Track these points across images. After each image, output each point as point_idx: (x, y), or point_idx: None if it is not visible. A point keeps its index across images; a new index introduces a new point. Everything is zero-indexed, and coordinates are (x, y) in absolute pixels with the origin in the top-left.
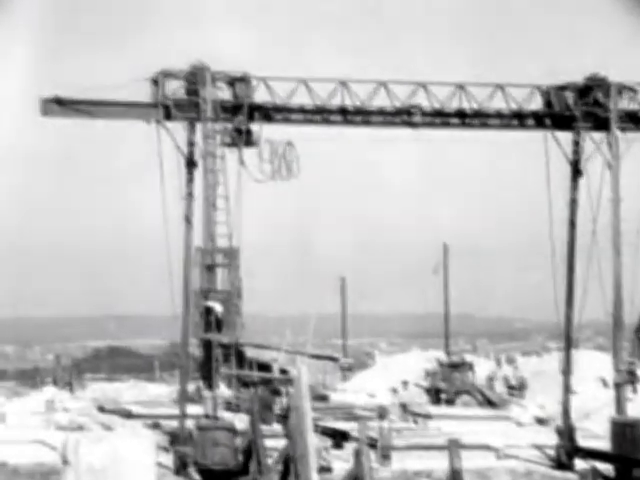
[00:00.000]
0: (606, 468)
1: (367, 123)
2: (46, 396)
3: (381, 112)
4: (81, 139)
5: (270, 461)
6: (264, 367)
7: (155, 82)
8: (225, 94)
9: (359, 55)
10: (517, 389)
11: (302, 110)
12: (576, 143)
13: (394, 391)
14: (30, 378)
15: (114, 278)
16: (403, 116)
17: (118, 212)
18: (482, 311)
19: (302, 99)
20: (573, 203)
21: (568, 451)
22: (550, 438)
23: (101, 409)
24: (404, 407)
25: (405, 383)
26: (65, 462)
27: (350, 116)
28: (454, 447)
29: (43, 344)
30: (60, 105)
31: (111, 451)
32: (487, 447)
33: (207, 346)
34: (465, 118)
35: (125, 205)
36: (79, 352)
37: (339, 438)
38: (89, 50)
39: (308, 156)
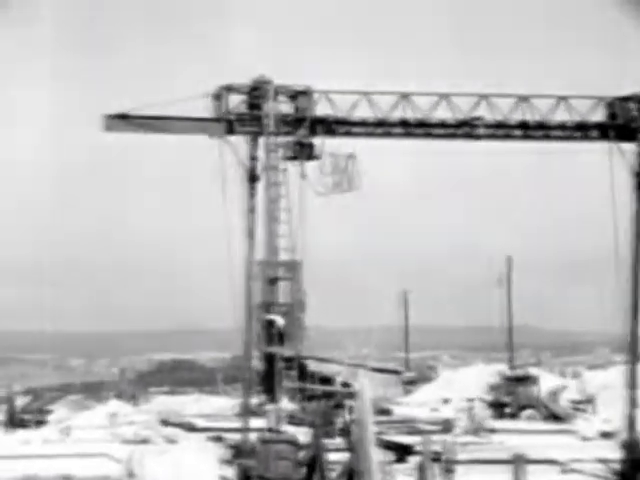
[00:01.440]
0: None
1: (428, 135)
2: (111, 409)
3: (443, 124)
4: (142, 154)
5: (333, 475)
6: (326, 380)
7: (218, 97)
8: (287, 108)
9: (420, 68)
10: (583, 403)
11: (364, 123)
12: None
13: (457, 405)
14: (95, 391)
15: (177, 293)
16: (465, 128)
17: (180, 227)
18: (546, 324)
19: (363, 112)
20: (638, 215)
21: (633, 465)
22: (615, 452)
23: (165, 422)
24: (468, 421)
25: (471, 400)
26: (130, 475)
27: (411, 128)
28: (519, 461)
29: (108, 358)
30: (123, 120)
31: (175, 464)
32: (552, 461)
33: (269, 359)
34: (527, 130)
35: (188, 220)
36: (144, 365)
37: (402, 452)
38: (150, 66)
39: (369, 168)
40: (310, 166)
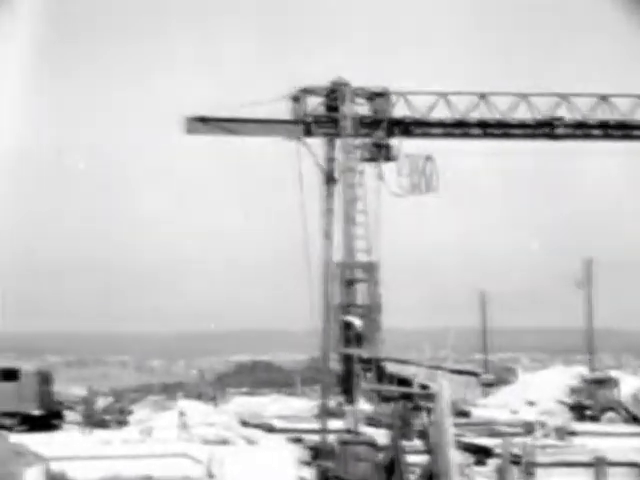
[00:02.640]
0: None
1: (507, 136)
2: (190, 410)
3: (522, 125)
4: (218, 157)
5: (412, 477)
6: (404, 382)
7: (296, 99)
8: (364, 109)
9: (498, 68)
10: None
11: (441, 124)
12: None
13: (539, 407)
14: (175, 392)
15: (255, 293)
16: (545, 128)
17: (257, 228)
18: (627, 325)
19: (441, 113)
20: None
21: None
22: None
23: (244, 423)
24: (548, 424)
25: (561, 402)
26: (210, 475)
27: (490, 129)
28: (600, 464)
29: (187, 358)
30: (204, 123)
31: (255, 465)
32: (633, 464)
33: (347, 361)
34: (608, 129)
35: (265, 221)
36: (222, 367)
37: (481, 454)
38: (226, 69)
39: (447, 170)
40: (387, 167)
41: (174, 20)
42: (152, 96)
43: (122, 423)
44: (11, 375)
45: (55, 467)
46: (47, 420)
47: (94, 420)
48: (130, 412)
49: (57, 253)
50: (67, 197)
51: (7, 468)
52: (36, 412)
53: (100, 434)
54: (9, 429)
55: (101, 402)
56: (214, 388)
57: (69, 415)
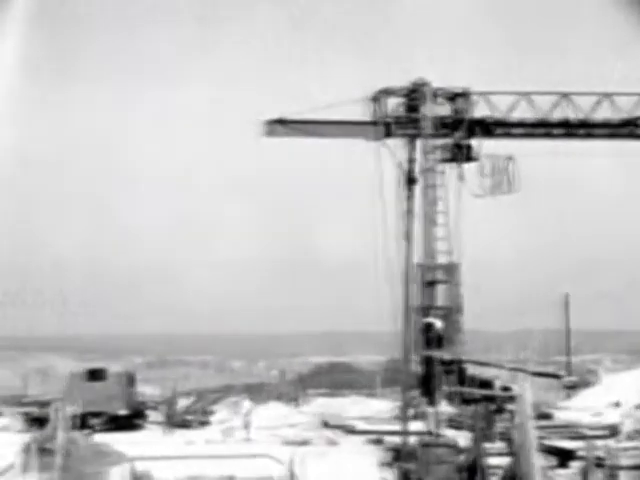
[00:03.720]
0: None
1: (590, 136)
2: (271, 411)
3: (606, 124)
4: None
5: (494, 479)
6: (485, 384)
7: (375, 100)
8: (444, 110)
9: (581, 67)
10: None
11: (523, 124)
12: None
13: (624, 409)
14: (256, 393)
15: (334, 294)
16: (629, 127)
17: (335, 230)
18: None
19: (523, 113)
20: None
21: None
22: None
23: (325, 424)
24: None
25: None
26: (292, 476)
27: (573, 129)
28: None
29: (268, 359)
30: (282, 125)
31: (336, 466)
32: None
33: (428, 362)
34: None
35: (342, 222)
36: (302, 368)
37: (564, 457)
38: (304, 70)
39: (528, 170)
40: (468, 168)
41: (261, 23)
42: (227, 100)
43: (203, 423)
44: (98, 375)
45: (139, 467)
46: (131, 420)
47: (176, 420)
48: (211, 412)
49: (136, 257)
50: (143, 203)
51: (92, 467)
52: (122, 412)
53: (182, 434)
54: (94, 428)
55: (183, 402)
56: (295, 389)
57: (152, 415)
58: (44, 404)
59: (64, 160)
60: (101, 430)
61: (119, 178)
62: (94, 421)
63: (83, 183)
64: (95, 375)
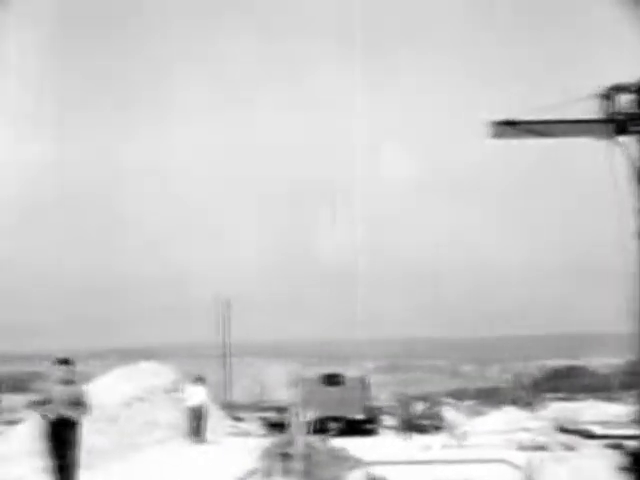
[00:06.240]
0: None
1: None
2: (506, 415)
3: None
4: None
5: None
6: None
7: (606, 97)
8: None
9: None
10: None
11: None
12: None
13: None
14: (489, 397)
15: (560, 295)
16: None
17: (556, 230)
18: None
19: None
20: None
21: None
22: None
23: (561, 429)
24: None
25: None
26: None
27: None
28: None
29: (501, 363)
30: (511, 127)
31: (574, 472)
32: None
33: None
34: None
35: (563, 221)
36: (537, 371)
37: None
38: (529, 72)
39: None
40: None
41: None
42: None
43: (437, 428)
44: (335, 380)
45: (376, 472)
46: (366, 425)
47: (411, 425)
48: (445, 417)
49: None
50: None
51: (331, 472)
52: (358, 417)
53: (417, 439)
54: (330, 433)
55: (416, 407)
56: (530, 393)
57: (386, 420)
58: (282, 409)
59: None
60: (337, 435)
61: None
62: (331, 426)
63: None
64: (332, 380)
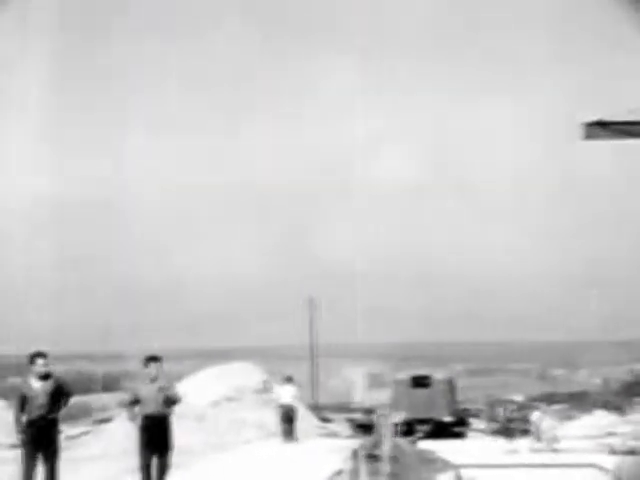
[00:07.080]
0: None
1: None
2: (596, 420)
3: None
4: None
5: None
6: None
7: None
8: None
9: None
10: None
11: None
12: None
13: None
14: (579, 401)
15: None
16: None
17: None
18: None
19: None
20: None
21: None
22: None
23: None
24: None
25: None
26: None
27: None
28: None
29: (590, 368)
30: (603, 128)
31: None
32: None
33: None
34: None
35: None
36: (627, 376)
37: None
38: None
39: None
40: None
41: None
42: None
43: (526, 432)
44: (423, 382)
45: (465, 474)
46: (454, 427)
47: (499, 428)
48: (533, 421)
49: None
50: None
51: (419, 475)
52: (446, 419)
53: (505, 442)
54: (419, 435)
55: (505, 410)
56: (620, 397)
57: (474, 422)
58: (369, 411)
59: None
60: (425, 437)
61: None
62: (419, 428)
63: None
64: (420, 382)
